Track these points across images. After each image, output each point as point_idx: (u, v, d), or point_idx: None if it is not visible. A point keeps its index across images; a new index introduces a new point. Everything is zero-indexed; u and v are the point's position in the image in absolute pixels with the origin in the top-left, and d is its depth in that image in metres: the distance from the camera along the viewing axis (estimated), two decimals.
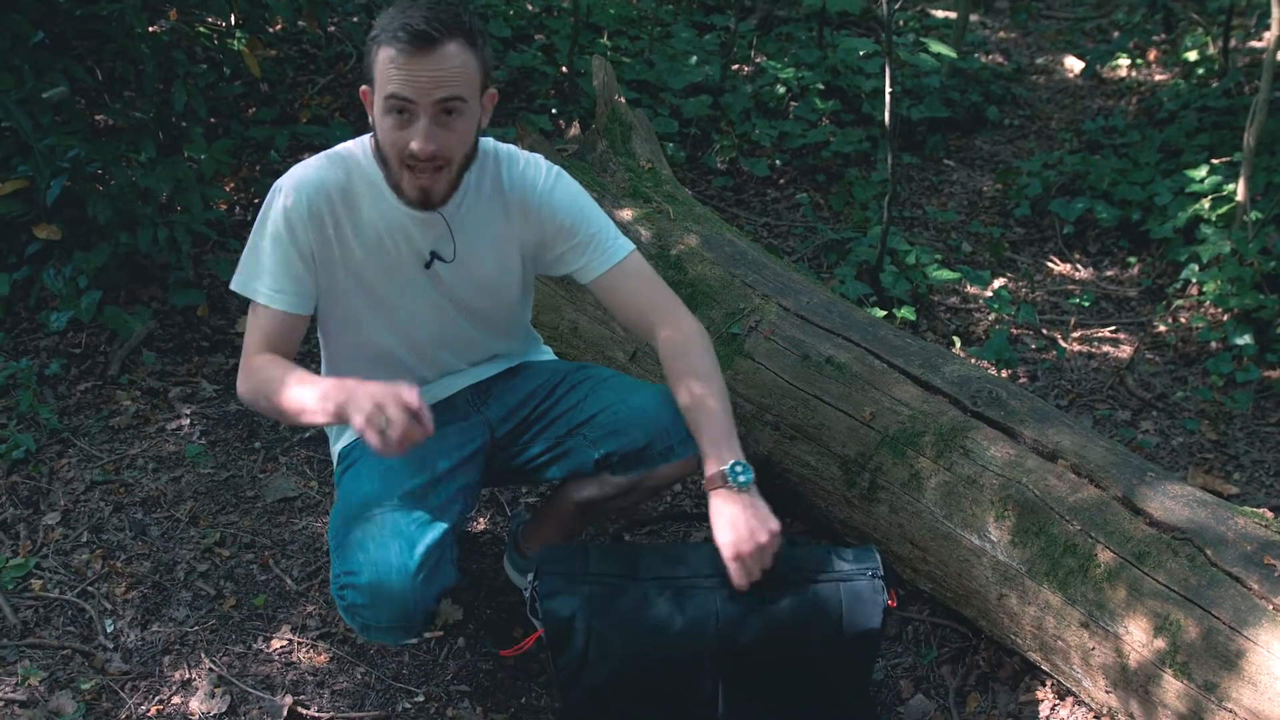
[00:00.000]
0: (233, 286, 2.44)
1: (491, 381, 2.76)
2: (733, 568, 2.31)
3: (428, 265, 2.50)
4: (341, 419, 2.19)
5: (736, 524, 2.30)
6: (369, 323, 2.54)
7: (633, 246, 2.61)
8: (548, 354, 2.92)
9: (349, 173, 2.42)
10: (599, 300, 2.64)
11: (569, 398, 2.69)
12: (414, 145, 2.27)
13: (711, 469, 2.38)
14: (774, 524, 2.33)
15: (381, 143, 2.33)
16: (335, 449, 2.71)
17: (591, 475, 2.69)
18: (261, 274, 2.40)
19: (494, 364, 2.78)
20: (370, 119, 2.35)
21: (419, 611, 2.35)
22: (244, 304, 4.04)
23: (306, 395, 2.26)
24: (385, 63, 2.23)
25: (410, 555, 2.33)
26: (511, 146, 2.59)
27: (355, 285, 2.48)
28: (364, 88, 2.35)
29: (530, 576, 2.40)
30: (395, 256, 2.47)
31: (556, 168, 2.58)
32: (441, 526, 2.40)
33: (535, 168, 2.55)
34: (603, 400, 2.64)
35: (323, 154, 2.44)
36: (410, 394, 2.14)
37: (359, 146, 2.45)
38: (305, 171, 2.40)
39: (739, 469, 2.35)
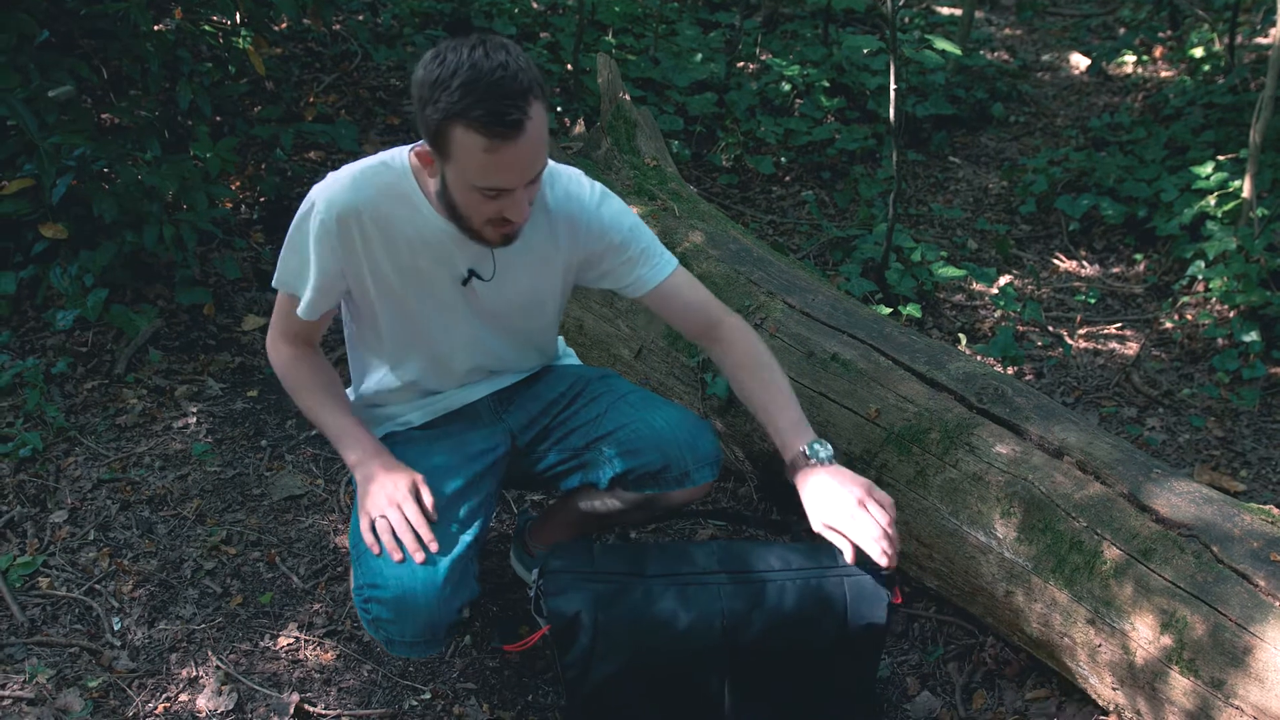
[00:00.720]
0: (275, 284, 2.44)
1: (515, 388, 2.74)
2: (840, 534, 2.32)
3: (464, 283, 2.45)
4: (354, 474, 2.45)
5: (830, 491, 2.33)
6: (397, 335, 2.50)
7: (675, 259, 2.59)
8: (571, 357, 2.89)
9: (381, 191, 2.32)
10: (652, 309, 2.63)
11: (589, 410, 2.66)
12: (511, 217, 2.23)
13: (791, 451, 2.42)
14: (863, 481, 2.35)
15: (464, 209, 2.24)
16: None
17: (604, 490, 2.66)
18: (307, 276, 2.37)
19: (520, 372, 2.75)
20: (432, 178, 2.28)
21: (444, 625, 2.35)
22: (249, 304, 4.06)
23: (333, 430, 2.50)
24: (472, 150, 2.09)
25: (436, 570, 2.32)
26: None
27: (384, 300, 2.43)
28: (422, 150, 2.23)
29: (535, 574, 2.40)
30: (430, 274, 2.42)
31: (597, 183, 2.52)
32: (466, 539, 2.40)
33: (578, 183, 2.49)
34: (622, 417, 2.61)
35: (356, 169, 2.33)
36: (426, 496, 2.37)
37: (396, 162, 2.35)
38: (337, 190, 2.31)
39: (816, 446, 2.38)
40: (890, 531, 2.29)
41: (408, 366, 2.56)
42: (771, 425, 2.48)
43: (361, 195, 2.31)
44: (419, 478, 2.40)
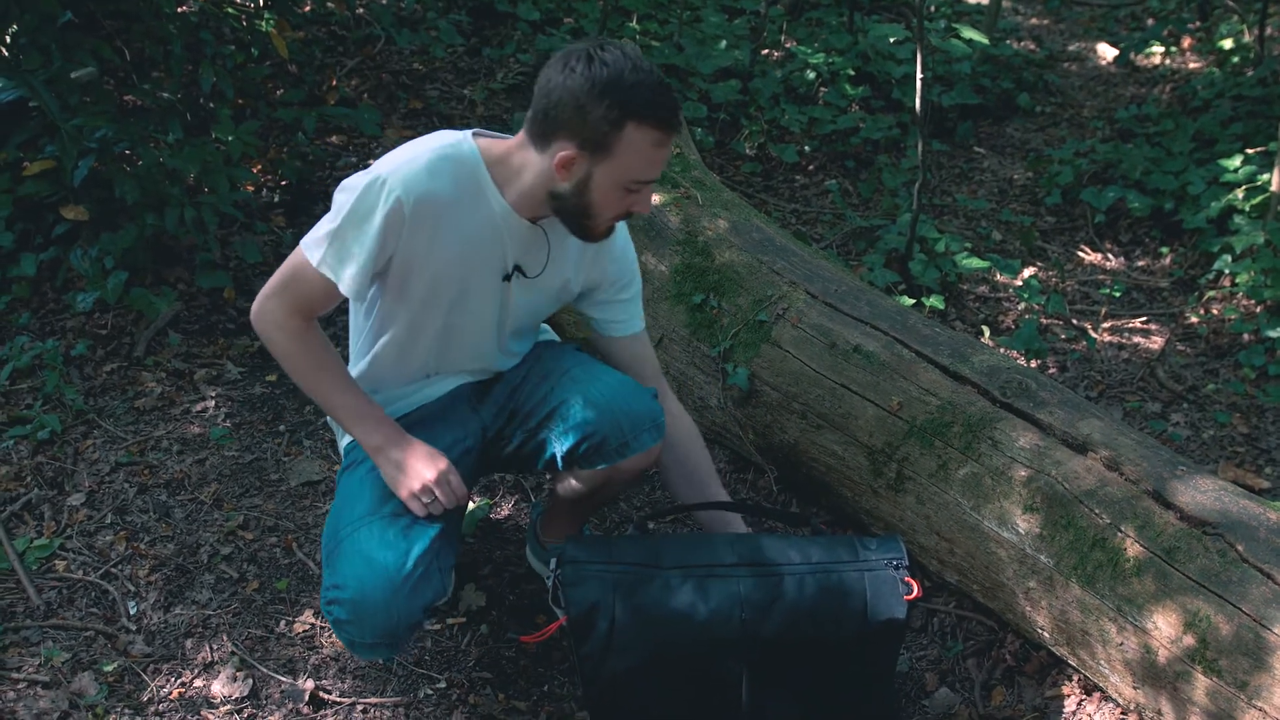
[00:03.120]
0: (315, 263, 2.31)
1: (490, 380, 2.71)
2: None
3: (506, 278, 2.45)
4: (374, 458, 2.41)
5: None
6: (421, 318, 2.46)
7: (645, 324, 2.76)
8: (547, 332, 2.87)
9: (455, 180, 2.29)
10: (606, 352, 2.73)
11: (540, 389, 2.64)
12: (641, 210, 2.33)
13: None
14: None
15: (600, 207, 2.29)
16: (342, 442, 2.63)
17: (566, 471, 2.65)
18: (349, 262, 2.29)
19: (490, 372, 2.71)
20: (565, 181, 2.27)
21: (403, 626, 2.32)
22: None
23: (349, 411, 2.43)
24: (643, 145, 2.22)
25: (399, 571, 2.29)
26: None
27: (425, 285, 2.39)
28: (571, 153, 2.23)
29: (553, 564, 2.39)
30: (480, 265, 2.40)
31: None
32: (430, 532, 2.36)
33: None
34: (563, 392, 2.60)
35: (429, 153, 2.28)
36: (457, 482, 2.40)
37: (465, 148, 2.32)
38: (415, 175, 2.25)
39: None
40: None
41: (418, 347, 2.53)
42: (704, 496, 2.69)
43: (438, 183, 2.27)
44: (447, 464, 2.39)
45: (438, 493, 2.35)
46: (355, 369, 2.58)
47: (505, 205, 2.33)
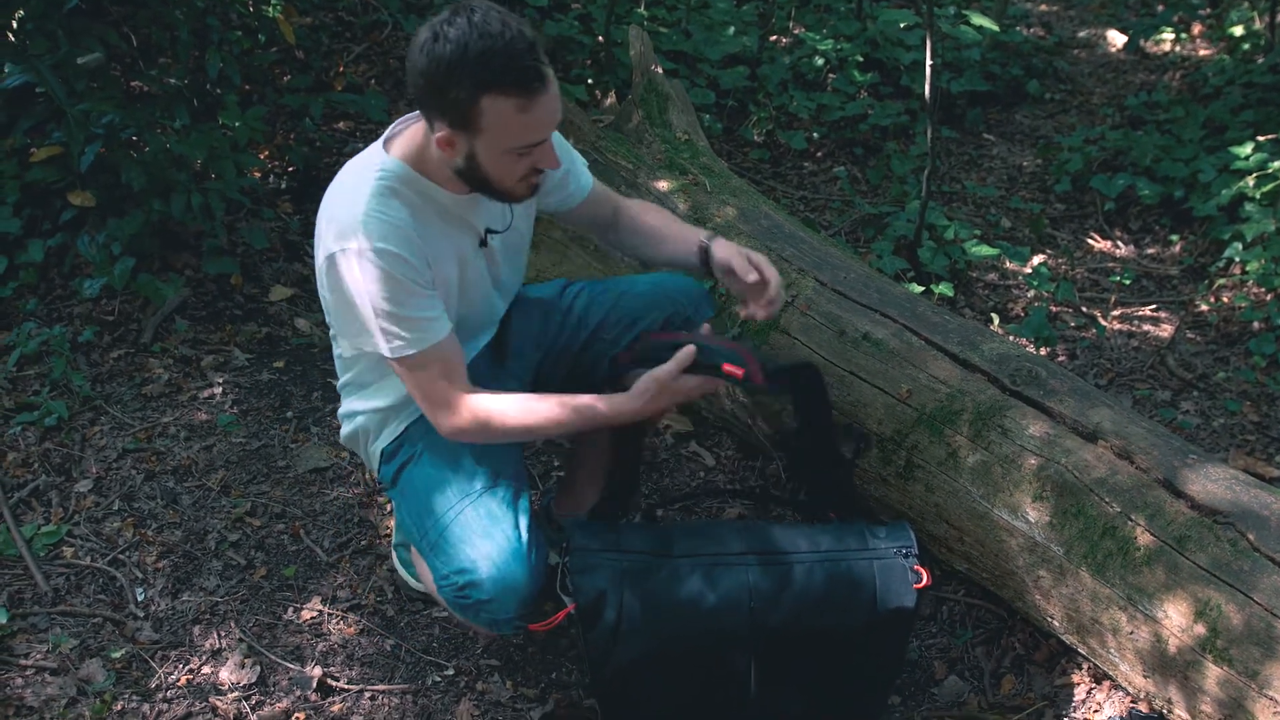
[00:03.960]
0: (408, 356, 2.28)
1: (501, 336, 2.71)
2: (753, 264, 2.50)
3: (482, 244, 2.46)
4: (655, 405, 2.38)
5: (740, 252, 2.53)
6: None
7: (585, 161, 2.74)
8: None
9: (404, 200, 2.27)
10: (575, 220, 2.79)
11: (569, 320, 2.68)
12: (544, 165, 2.27)
13: (694, 240, 2.60)
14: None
15: (497, 175, 2.24)
16: (373, 448, 2.59)
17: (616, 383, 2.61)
18: (427, 324, 2.28)
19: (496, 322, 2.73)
20: (453, 158, 2.23)
21: (538, 590, 2.38)
22: (276, 274, 4.05)
23: (597, 414, 2.38)
24: (506, 115, 2.12)
25: (519, 539, 2.35)
26: None
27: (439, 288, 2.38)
28: (446, 133, 2.18)
29: (561, 552, 2.39)
30: (458, 245, 2.40)
31: None
32: (525, 499, 2.44)
33: None
34: (606, 302, 2.67)
35: (368, 197, 2.25)
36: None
37: (387, 164, 2.29)
38: (379, 222, 2.22)
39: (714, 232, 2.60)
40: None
41: None
42: (668, 238, 2.67)
43: (396, 214, 2.26)
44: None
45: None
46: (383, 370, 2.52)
47: (448, 194, 2.33)
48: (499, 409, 2.34)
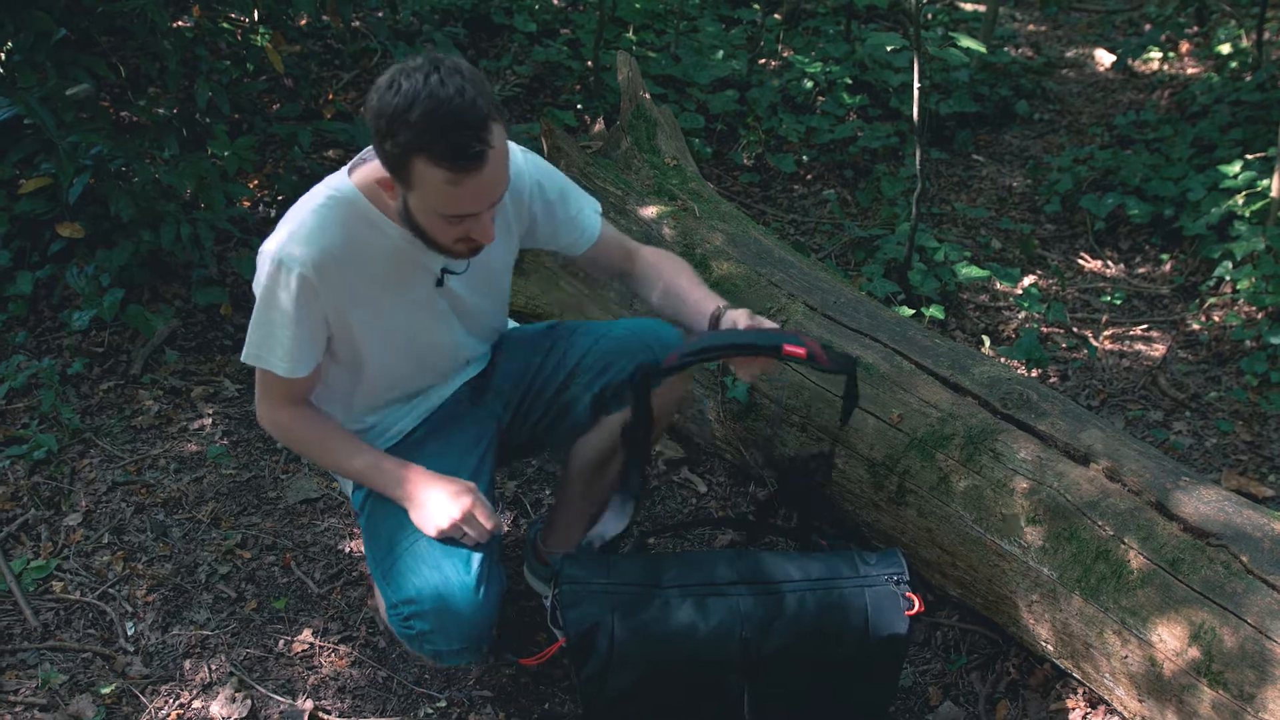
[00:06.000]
0: (245, 359, 2.35)
1: (485, 372, 2.73)
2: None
3: (439, 284, 2.44)
4: (404, 506, 2.41)
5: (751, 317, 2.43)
6: (378, 349, 2.46)
7: (595, 202, 2.70)
8: (510, 322, 2.87)
9: (344, 226, 2.28)
10: (586, 266, 2.76)
11: (550, 360, 2.68)
12: (477, 238, 2.24)
13: (709, 308, 2.49)
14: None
15: (430, 231, 2.23)
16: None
17: (590, 427, 2.66)
18: (275, 347, 2.32)
19: (486, 356, 2.75)
20: (393, 200, 2.24)
21: (486, 625, 2.36)
22: None
23: (367, 474, 2.45)
24: (435, 182, 2.09)
25: (468, 573, 2.33)
26: None
27: (369, 320, 2.39)
28: (382, 176, 2.19)
29: (552, 585, 2.38)
30: (408, 283, 2.40)
31: (515, 144, 2.48)
32: (494, 536, 2.41)
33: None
34: (583, 345, 2.65)
35: (308, 213, 2.27)
36: (484, 513, 2.37)
37: (344, 190, 2.30)
38: (304, 241, 2.25)
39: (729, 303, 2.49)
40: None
41: (394, 375, 2.54)
42: (682, 305, 2.57)
43: (329, 238, 2.26)
44: (472, 498, 2.38)
45: (466, 529, 2.35)
46: (352, 408, 2.58)
47: (399, 230, 2.31)
48: (299, 435, 2.47)
